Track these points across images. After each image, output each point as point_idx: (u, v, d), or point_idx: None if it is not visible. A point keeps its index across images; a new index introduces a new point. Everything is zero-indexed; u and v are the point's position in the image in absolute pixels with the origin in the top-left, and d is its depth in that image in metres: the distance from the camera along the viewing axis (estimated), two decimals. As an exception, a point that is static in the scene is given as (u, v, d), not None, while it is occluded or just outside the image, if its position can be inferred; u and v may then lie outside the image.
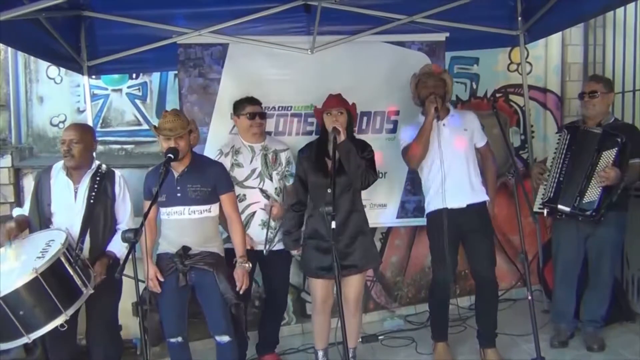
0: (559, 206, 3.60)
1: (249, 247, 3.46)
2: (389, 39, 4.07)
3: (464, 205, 3.46)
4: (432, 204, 3.56)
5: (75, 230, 3.09)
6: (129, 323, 3.42)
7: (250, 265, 3.23)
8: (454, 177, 3.45)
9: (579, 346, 3.80)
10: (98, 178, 3.21)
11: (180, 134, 3.03)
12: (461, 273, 4.58)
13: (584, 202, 3.52)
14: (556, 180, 3.63)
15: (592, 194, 3.51)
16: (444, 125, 3.49)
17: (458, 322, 4.23)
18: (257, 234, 3.59)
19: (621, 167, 3.48)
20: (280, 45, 3.97)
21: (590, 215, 3.51)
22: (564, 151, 3.65)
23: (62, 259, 2.79)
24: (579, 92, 3.79)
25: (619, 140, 3.48)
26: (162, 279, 3.11)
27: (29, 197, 3.30)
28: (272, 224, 3.62)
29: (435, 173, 3.48)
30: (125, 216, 3.28)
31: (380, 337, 4.29)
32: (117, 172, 3.34)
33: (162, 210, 3.17)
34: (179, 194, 3.11)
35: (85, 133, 3.23)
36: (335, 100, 3.36)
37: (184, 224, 3.12)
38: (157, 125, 3.11)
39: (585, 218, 3.55)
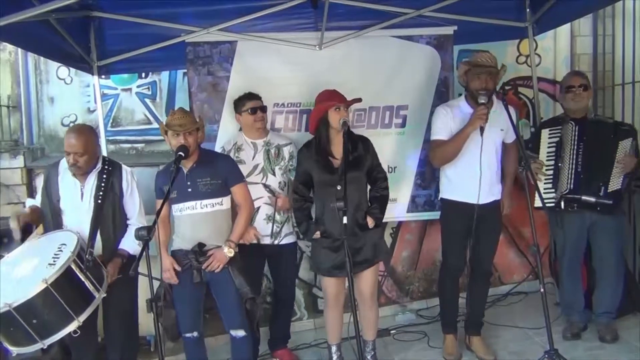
0: (583, 197, 3.63)
1: (255, 241, 3.49)
2: (397, 33, 4.05)
3: (483, 202, 3.43)
4: (455, 193, 3.54)
5: (85, 230, 3.06)
6: (142, 320, 3.45)
7: (233, 253, 3.14)
8: (485, 175, 3.42)
9: (592, 338, 3.79)
10: (105, 175, 3.17)
11: (189, 130, 3.07)
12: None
13: (609, 191, 3.60)
14: (573, 171, 3.65)
15: (615, 182, 3.61)
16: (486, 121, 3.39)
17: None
18: (262, 228, 3.61)
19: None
20: (288, 42, 3.98)
21: (614, 203, 3.60)
22: (576, 142, 3.66)
23: (73, 266, 2.77)
24: (565, 86, 3.75)
25: (630, 129, 3.66)
26: (178, 269, 3.12)
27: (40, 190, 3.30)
28: (278, 217, 3.64)
29: (466, 167, 3.43)
30: (134, 211, 3.25)
31: (392, 332, 4.30)
32: (124, 166, 3.28)
33: (175, 207, 3.19)
34: (189, 189, 3.13)
35: (88, 142, 3.08)
36: (343, 97, 3.34)
37: (197, 219, 3.15)
38: (166, 123, 3.13)
39: (605, 207, 3.61)
